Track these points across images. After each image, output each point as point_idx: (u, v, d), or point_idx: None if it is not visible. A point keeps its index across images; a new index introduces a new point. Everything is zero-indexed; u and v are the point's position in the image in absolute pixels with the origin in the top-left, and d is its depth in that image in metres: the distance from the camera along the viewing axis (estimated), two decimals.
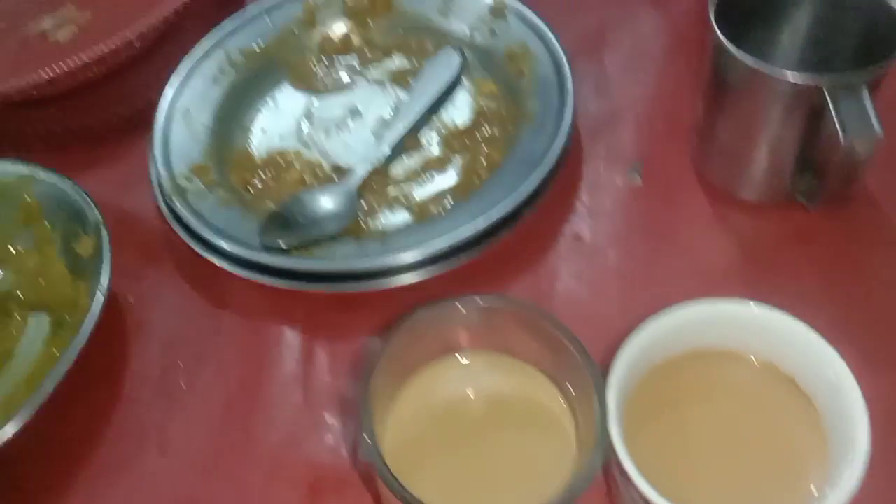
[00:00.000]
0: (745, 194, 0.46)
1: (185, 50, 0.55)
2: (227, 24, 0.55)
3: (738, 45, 0.41)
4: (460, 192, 0.48)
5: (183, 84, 0.53)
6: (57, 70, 0.51)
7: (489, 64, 0.54)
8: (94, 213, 0.45)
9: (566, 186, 0.48)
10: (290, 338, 0.44)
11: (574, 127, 0.48)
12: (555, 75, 0.50)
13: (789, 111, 0.41)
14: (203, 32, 0.56)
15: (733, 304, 0.34)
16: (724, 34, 0.41)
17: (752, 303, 0.34)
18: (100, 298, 0.41)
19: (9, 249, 0.49)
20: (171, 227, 0.47)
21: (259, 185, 0.50)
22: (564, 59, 0.50)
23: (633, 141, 0.50)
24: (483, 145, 0.50)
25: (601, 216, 0.47)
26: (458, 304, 0.33)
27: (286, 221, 0.46)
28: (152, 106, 0.52)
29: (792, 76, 0.39)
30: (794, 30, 0.46)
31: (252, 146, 0.52)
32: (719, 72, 0.43)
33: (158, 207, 0.49)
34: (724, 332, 0.34)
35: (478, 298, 0.33)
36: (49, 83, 0.52)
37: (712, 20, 0.42)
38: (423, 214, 0.47)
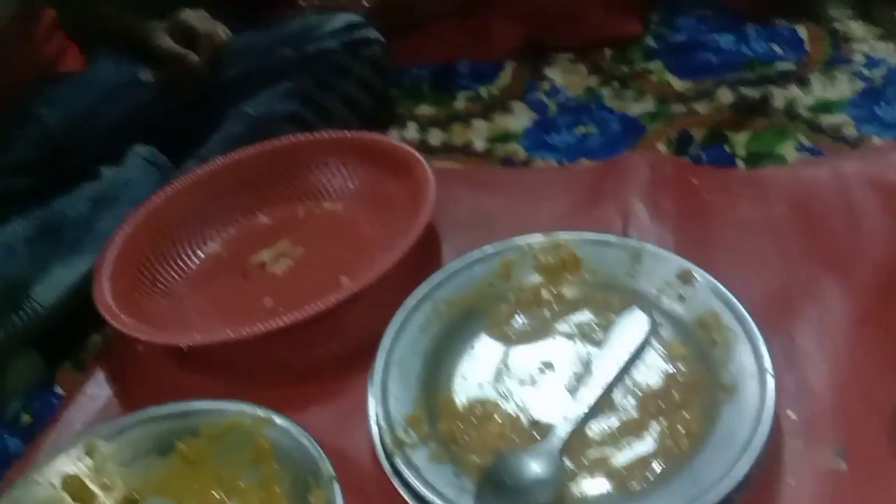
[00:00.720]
0: None
1: (390, 291, 0.61)
2: (434, 278, 0.62)
3: None
4: (660, 461, 0.50)
5: (398, 334, 0.58)
6: (287, 321, 0.58)
7: (679, 327, 0.57)
8: (327, 468, 0.49)
9: (769, 465, 0.49)
10: None
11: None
12: (750, 352, 0.52)
13: None
14: (407, 278, 0.62)
15: None
16: None
17: None
18: None
19: (237, 483, 0.53)
20: (387, 475, 0.51)
21: (465, 438, 0.53)
22: (759, 335, 0.53)
23: (831, 419, 0.51)
24: (681, 412, 0.52)
25: (808, 501, 0.47)
26: None
27: (497, 485, 0.49)
28: (363, 345, 0.58)
29: None
30: None
31: (455, 393, 0.56)
32: None
33: (374, 450, 0.53)
34: None
35: None
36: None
37: None
38: (624, 485, 0.49)
